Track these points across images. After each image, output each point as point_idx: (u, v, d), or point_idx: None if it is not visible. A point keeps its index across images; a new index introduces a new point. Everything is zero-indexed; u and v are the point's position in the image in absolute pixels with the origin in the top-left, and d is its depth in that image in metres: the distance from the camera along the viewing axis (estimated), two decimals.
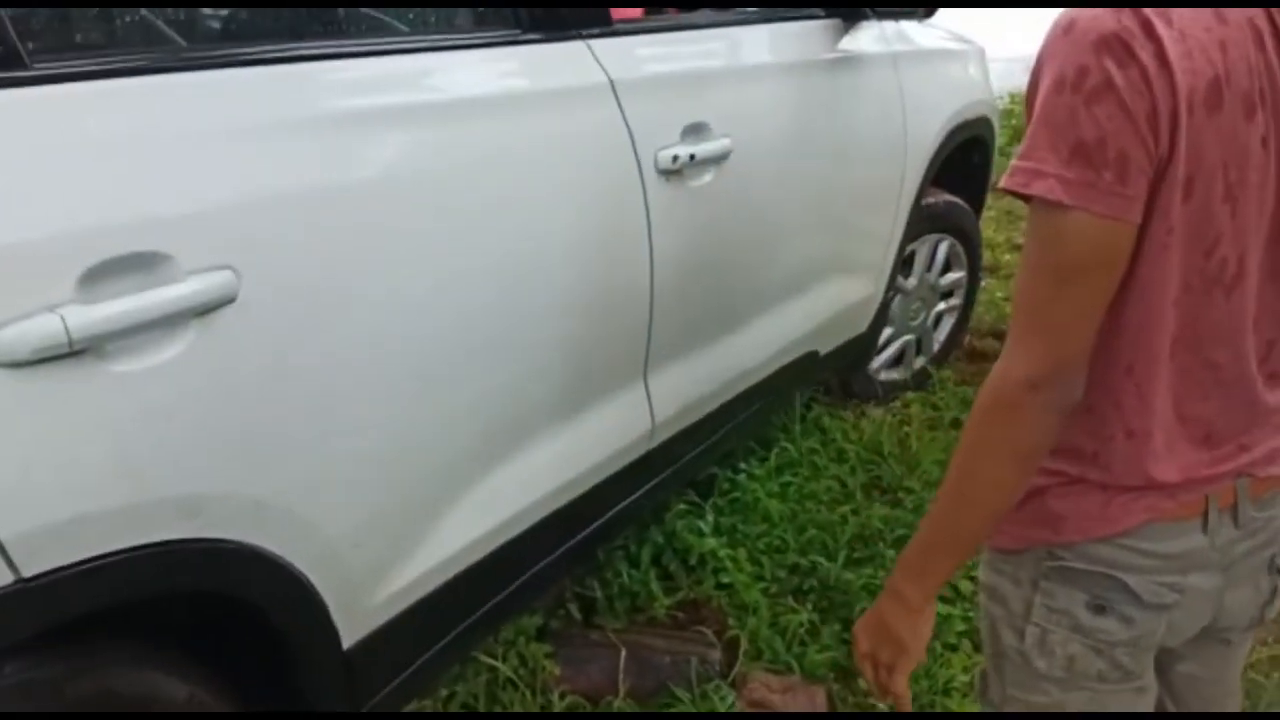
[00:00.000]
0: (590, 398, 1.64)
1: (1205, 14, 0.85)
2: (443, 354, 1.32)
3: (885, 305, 2.59)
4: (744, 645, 1.92)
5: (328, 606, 1.22)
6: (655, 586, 2.00)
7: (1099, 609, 1.01)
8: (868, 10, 2.11)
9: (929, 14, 2.16)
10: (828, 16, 2.14)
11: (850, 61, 2.17)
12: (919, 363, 2.87)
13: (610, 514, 1.76)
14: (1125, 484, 0.98)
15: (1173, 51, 0.83)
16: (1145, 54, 0.83)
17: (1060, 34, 0.86)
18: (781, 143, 1.95)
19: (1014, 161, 0.88)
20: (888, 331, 2.74)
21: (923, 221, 2.63)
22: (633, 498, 1.81)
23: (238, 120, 1.10)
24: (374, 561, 1.28)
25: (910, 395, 2.78)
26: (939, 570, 1.04)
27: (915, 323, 2.86)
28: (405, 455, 1.29)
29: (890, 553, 2.13)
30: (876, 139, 2.31)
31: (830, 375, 2.65)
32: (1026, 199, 0.88)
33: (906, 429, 2.59)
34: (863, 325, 2.52)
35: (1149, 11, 0.84)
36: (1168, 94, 0.83)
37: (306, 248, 1.13)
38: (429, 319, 1.29)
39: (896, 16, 2.17)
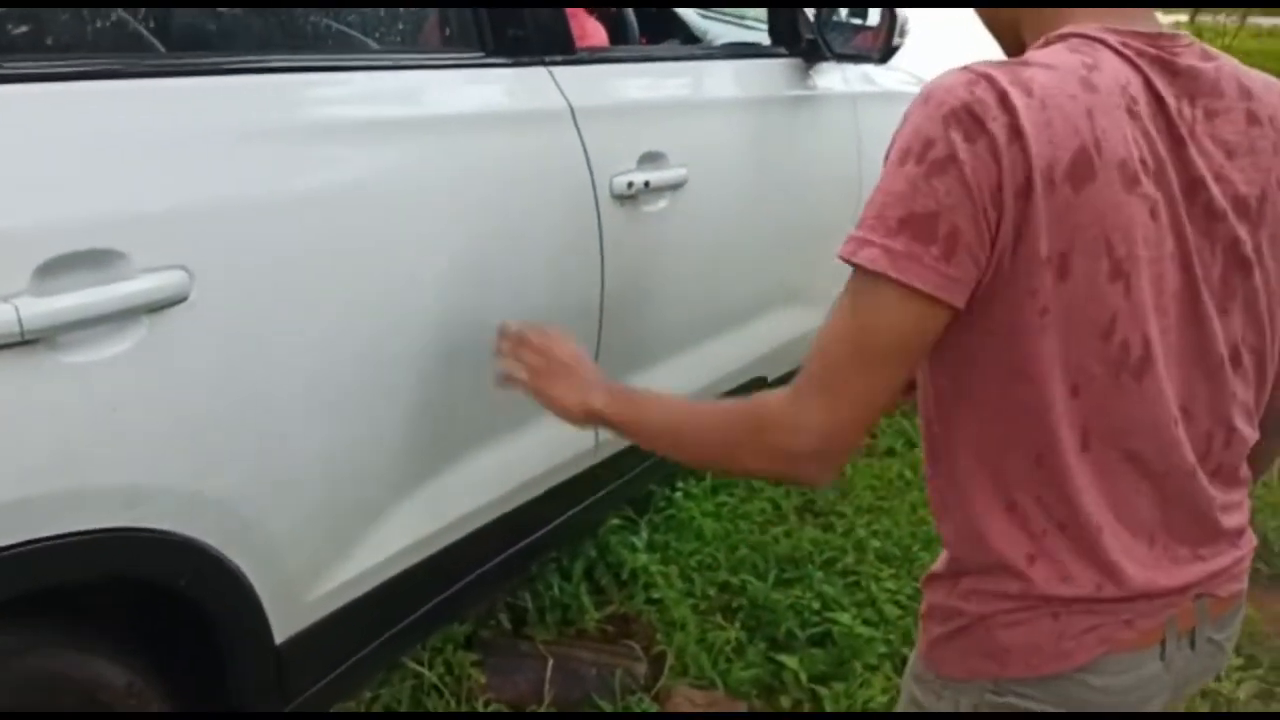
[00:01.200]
0: (537, 410, 1.68)
1: (1071, 81, 0.82)
2: (391, 361, 1.36)
3: None
4: (670, 660, 1.97)
5: (261, 600, 1.25)
6: (586, 600, 2.04)
7: None
8: (827, 52, 2.18)
9: (885, 59, 2.25)
10: (790, 56, 2.22)
11: (809, 100, 2.25)
12: None
13: (551, 526, 1.80)
14: (1073, 595, 0.90)
15: (1028, 122, 0.79)
16: (996, 125, 0.79)
17: (919, 104, 0.83)
18: (737, 174, 2.02)
19: (850, 231, 0.85)
20: None
21: None
22: (574, 511, 1.86)
23: (199, 127, 1.14)
24: (311, 559, 1.32)
25: None
26: (650, 432, 1.07)
27: None
28: (348, 457, 1.32)
29: (818, 574, 2.20)
30: (832, 175, 2.38)
31: None
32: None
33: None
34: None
35: (1005, 80, 0.80)
36: (1019, 166, 0.79)
37: (261, 253, 1.16)
38: (379, 327, 1.33)
39: (855, 60, 2.25)
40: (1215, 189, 0.87)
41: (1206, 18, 9.13)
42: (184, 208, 1.09)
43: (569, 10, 1.83)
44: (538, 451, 1.66)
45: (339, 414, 1.29)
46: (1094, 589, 0.89)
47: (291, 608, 1.30)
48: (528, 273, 1.55)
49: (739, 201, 2.02)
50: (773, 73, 2.18)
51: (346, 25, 1.40)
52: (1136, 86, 0.84)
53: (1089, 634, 0.90)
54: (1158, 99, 0.85)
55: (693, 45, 2.34)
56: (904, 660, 2.04)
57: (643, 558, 2.12)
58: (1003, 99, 0.79)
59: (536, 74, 1.54)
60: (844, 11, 2.27)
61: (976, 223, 0.80)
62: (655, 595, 2.08)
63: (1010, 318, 0.83)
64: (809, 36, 2.19)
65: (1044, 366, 0.84)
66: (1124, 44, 0.85)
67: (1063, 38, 0.87)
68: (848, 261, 0.84)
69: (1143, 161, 0.82)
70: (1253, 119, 0.89)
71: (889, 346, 0.84)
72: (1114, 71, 0.84)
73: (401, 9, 1.45)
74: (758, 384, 2.35)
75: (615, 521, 2.21)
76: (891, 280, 0.81)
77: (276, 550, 1.25)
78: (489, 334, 1.50)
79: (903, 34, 2.19)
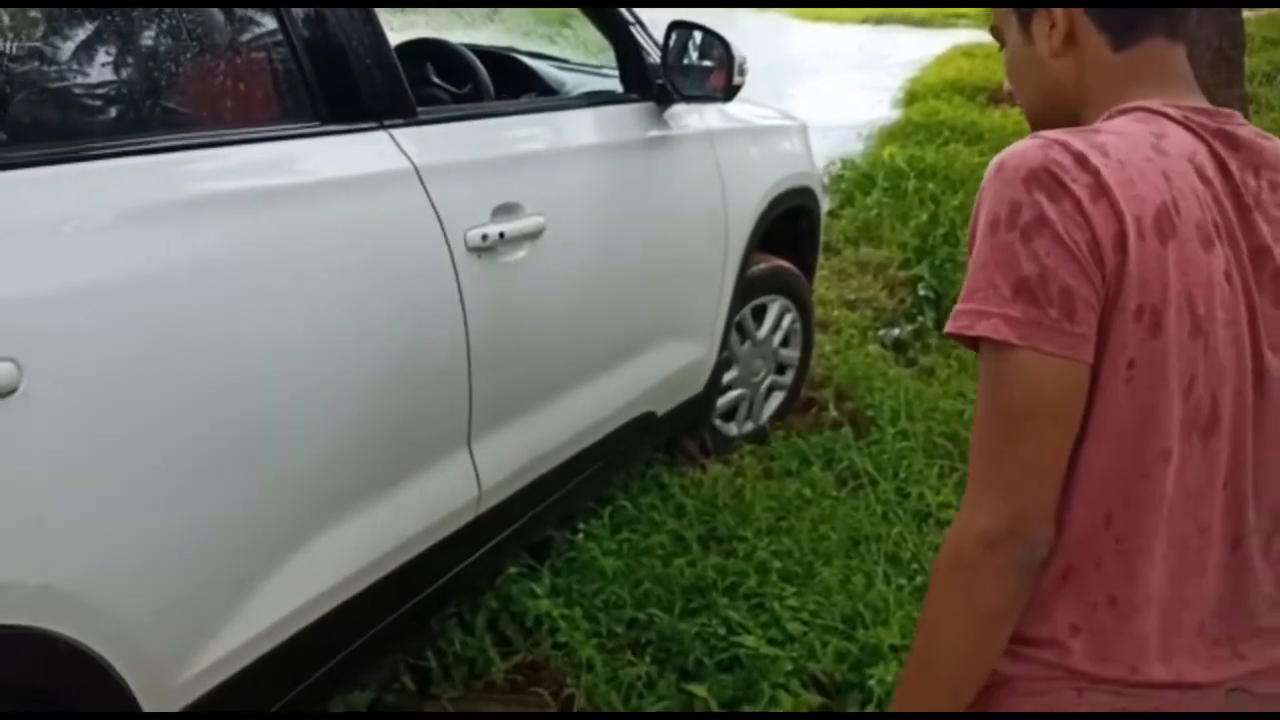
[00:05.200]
0: (411, 468, 1.70)
1: (1143, 145, 0.85)
2: (250, 435, 1.36)
3: (721, 365, 2.73)
4: (579, 702, 1.98)
5: (129, 686, 1.23)
6: (491, 651, 2.04)
7: None
8: (676, 95, 2.26)
9: (730, 97, 2.34)
10: (642, 101, 2.29)
11: (665, 140, 2.32)
12: (748, 427, 3.01)
13: (439, 582, 1.80)
14: (1108, 676, 0.87)
15: (1112, 179, 0.81)
16: (1078, 185, 0.81)
17: (992, 174, 0.85)
18: (597, 218, 2.08)
19: (956, 307, 0.84)
20: (734, 373, 2.88)
21: (752, 285, 2.80)
22: (463, 564, 1.86)
23: (24, 216, 1.14)
24: (178, 639, 1.30)
25: (746, 448, 2.91)
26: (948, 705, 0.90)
27: (757, 379, 3.01)
28: (208, 535, 1.32)
29: (723, 600, 2.23)
30: (696, 211, 2.46)
31: (671, 433, 2.76)
32: (974, 345, 0.85)
33: (741, 480, 2.72)
34: (699, 385, 2.64)
35: (1080, 144, 0.83)
36: (1109, 220, 0.81)
37: (96, 338, 1.17)
38: (232, 403, 1.33)
39: (701, 100, 2.34)
40: None
41: None
42: (9, 299, 1.09)
43: None
44: (413, 509, 1.67)
45: (194, 493, 1.29)
46: (1128, 672, 0.87)
47: (163, 691, 1.29)
48: (387, 333, 1.58)
49: (602, 244, 2.08)
50: (626, 117, 2.25)
51: (173, 104, 1.41)
52: (1202, 155, 0.87)
53: (1110, 707, 0.87)
54: (1223, 169, 0.87)
55: (545, 97, 2.40)
56: (810, 675, 2.09)
57: (544, 603, 2.12)
58: (1080, 159, 0.82)
59: (376, 138, 1.58)
60: (695, 54, 2.36)
61: (1086, 277, 0.81)
62: (561, 639, 2.09)
63: (1099, 372, 0.83)
64: (658, 81, 2.28)
65: (1130, 423, 0.84)
66: (1186, 117, 0.88)
67: (1125, 112, 0.90)
68: (962, 337, 0.84)
69: (1215, 225, 0.84)
70: None
71: (1036, 413, 0.83)
72: (1180, 141, 0.87)
73: (230, 83, 1.47)
74: (646, 418, 2.39)
75: (515, 570, 2.21)
76: (1018, 348, 0.81)
77: (139, 635, 1.24)
78: (352, 399, 1.53)
79: (742, 73, 2.27)
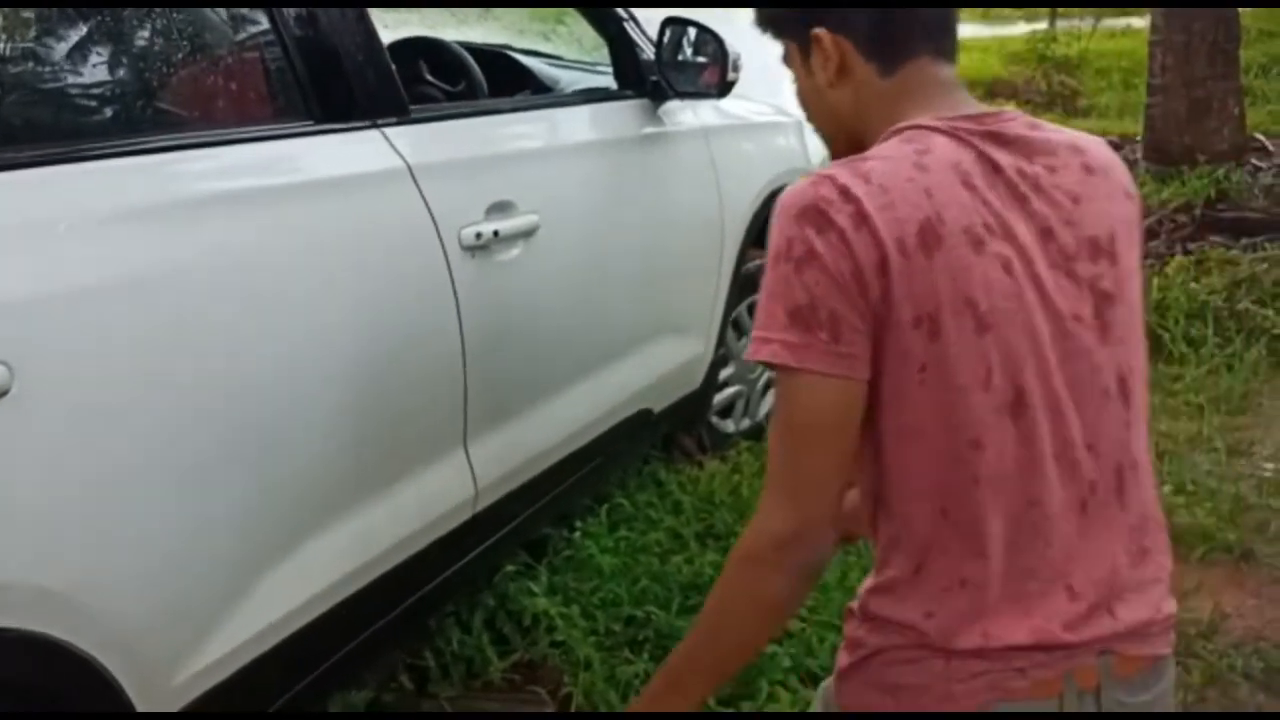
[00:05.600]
0: (407, 467, 1.69)
1: (905, 166, 0.93)
2: (242, 437, 1.36)
3: (717, 362, 2.72)
4: (577, 700, 1.98)
5: (125, 689, 1.23)
6: (489, 650, 2.04)
7: None
8: (670, 91, 2.26)
9: (724, 93, 2.34)
10: (636, 98, 2.29)
11: (659, 137, 2.32)
12: (746, 422, 3.01)
13: (436, 581, 1.80)
14: (965, 647, 0.93)
15: (871, 206, 0.89)
16: (842, 217, 0.89)
17: (776, 212, 0.95)
18: (592, 215, 2.07)
19: (751, 334, 0.93)
20: (731, 370, 2.88)
21: (749, 282, 2.80)
22: (460, 563, 1.86)
23: (15, 218, 1.14)
24: (174, 641, 1.30)
25: (744, 444, 2.91)
26: (695, 692, 1.03)
27: (754, 375, 3.01)
28: (204, 536, 1.32)
29: None
30: (691, 207, 2.45)
31: (668, 430, 2.76)
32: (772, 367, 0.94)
33: (738, 477, 2.71)
34: (696, 382, 2.64)
35: (846, 176, 0.91)
36: (870, 249, 0.89)
37: (88, 340, 1.16)
38: (226, 405, 1.33)
39: (696, 96, 2.34)
40: (1067, 234, 0.96)
41: (1063, 23, 9.59)
42: (1, 301, 1.09)
43: None
44: (409, 509, 1.67)
45: (188, 495, 1.29)
46: (982, 640, 0.93)
47: (158, 693, 1.28)
48: (382, 333, 1.57)
49: (596, 241, 2.08)
50: (621, 114, 2.25)
51: (164, 104, 1.41)
52: (969, 162, 0.94)
53: (977, 679, 0.93)
54: (995, 167, 0.95)
55: (539, 95, 2.40)
56: (809, 672, 2.08)
57: (542, 602, 2.12)
58: (844, 192, 0.90)
59: (369, 137, 1.58)
60: (689, 51, 2.36)
61: (851, 303, 0.89)
62: (559, 638, 2.09)
63: (893, 381, 0.91)
64: (652, 78, 2.27)
65: (937, 422, 0.92)
66: (954, 128, 0.96)
67: (897, 132, 0.97)
68: (757, 360, 0.93)
69: (986, 225, 0.92)
70: (1088, 169, 0.99)
71: (814, 426, 0.92)
72: (945, 153, 0.94)
73: (222, 83, 1.47)
74: (642, 416, 2.39)
75: (512, 568, 2.21)
76: (795, 370, 0.91)
77: (134, 637, 1.24)
78: (347, 400, 1.53)
79: (736, 69, 2.27)
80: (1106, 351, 0.96)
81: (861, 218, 0.89)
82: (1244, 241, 4.50)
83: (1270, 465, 3.01)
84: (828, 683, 1.11)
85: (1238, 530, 2.60)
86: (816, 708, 1.15)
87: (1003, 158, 0.95)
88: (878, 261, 0.89)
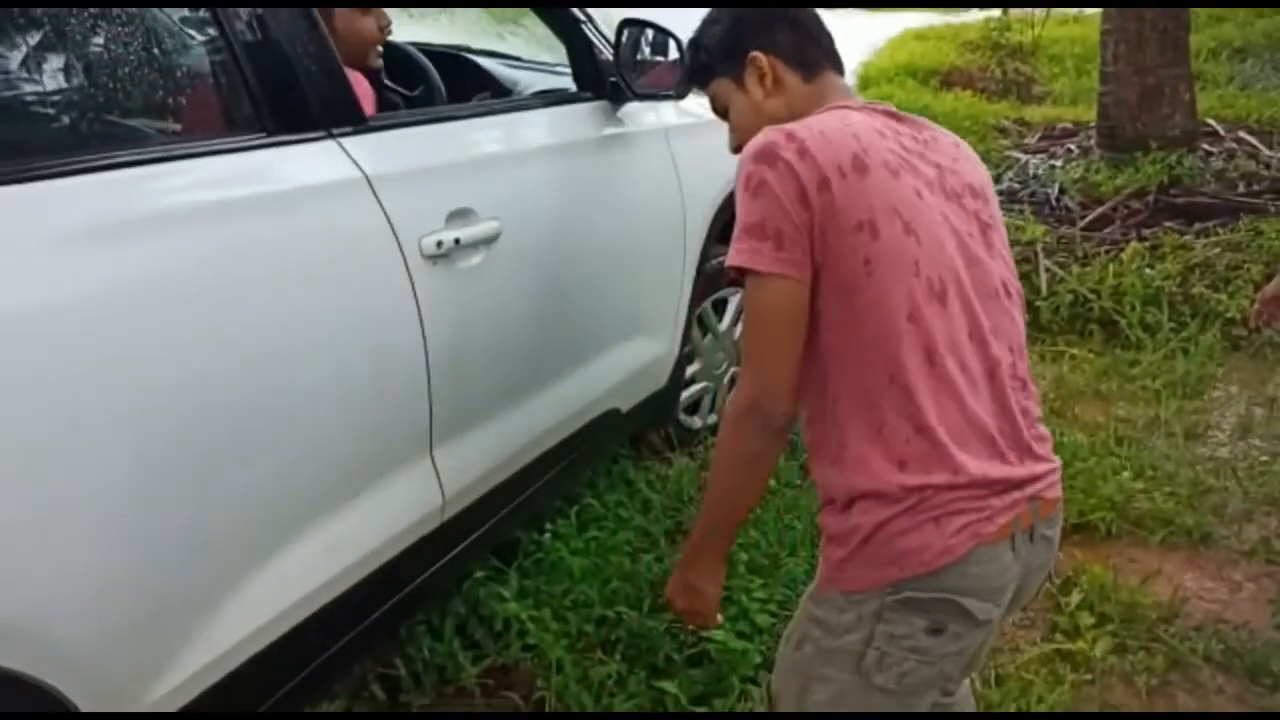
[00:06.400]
0: (372, 479, 1.68)
1: (835, 121, 1.23)
2: (202, 454, 1.34)
3: (683, 359, 2.73)
4: (550, 703, 1.98)
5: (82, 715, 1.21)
6: (461, 656, 2.03)
7: (936, 631, 1.20)
8: (629, 93, 2.26)
9: (684, 95, 2.34)
10: (595, 99, 2.28)
11: (619, 138, 2.32)
12: (712, 418, 3.02)
13: (405, 591, 1.79)
14: (939, 482, 1.17)
15: (812, 144, 1.18)
16: (788, 153, 1.18)
17: (742, 157, 1.22)
18: (553, 219, 2.06)
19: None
20: (696, 366, 2.89)
21: (714, 278, 2.80)
22: (429, 572, 1.85)
23: None
24: (135, 667, 1.28)
25: (711, 440, 2.92)
26: (719, 544, 1.34)
27: (719, 371, 3.02)
28: (163, 558, 1.30)
29: None
30: (653, 207, 2.45)
31: (637, 429, 2.76)
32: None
33: (706, 474, 2.72)
34: (662, 380, 2.65)
35: (792, 127, 1.20)
36: (813, 172, 1.16)
37: (40, 363, 1.14)
38: (185, 422, 1.31)
39: (655, 98, 2.34)
40: (952, 179, 1.28)
41: (1017, 11, 9.68)
42: None
43: None
44: (376, 520, 1.66)
45: (149, 515, 1.27)
46: (951, 475, 1.18)
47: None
48: (343, 345, 1.56)
49: (558, 245, 2.07)
50: (580, 117, 2.24)
51: (113, 119, 1.38)
52: (880, 124, 1.26)
53: (963, 531, 1.18)
54: (897, 131, 1.27)
55: (497, 99, 2.38)
56: None
57: (513, 605, 2.12)
58: (790, 135, 1.19)
59: (324, 147, 1.56)
60: (647, 51, 2.35)
61: (791, 220, 1.16)
62: (531, 641, 2.09)
63: (845, 275, 1.17)
64: (611, 79, 2.27)
65: (883, 304, 1.17)
66: (864, 106, 1.31)
67: (823, 111, 1.29)
68: (730, 265, 1.20)
69: (900, 161, 1.22)
70: (956, 145, 1.35)
71: (774, 317, 1.19)
72: (861, 117, 1.26)
73: (171, 96, 1.44)
74: (611, 416, 2.39)
75: (483, 573, 2.21)
76: (751, 271, 1.18)
77: (96, 663, 1.22)
78: (309, 412, 1.51)
79: None
80: (992, 263, 1.26)
81: (804, 152, 1.17)
82: (1197, 226, 4.58)
83: (1227, 448, 3.07)
84: (806, 598, 1.32)
85: (1196, 514, 2.66)
86: (794, 625, 1.33)
87: (901, 127, 1.28)
88: (819, 181, 1.16)
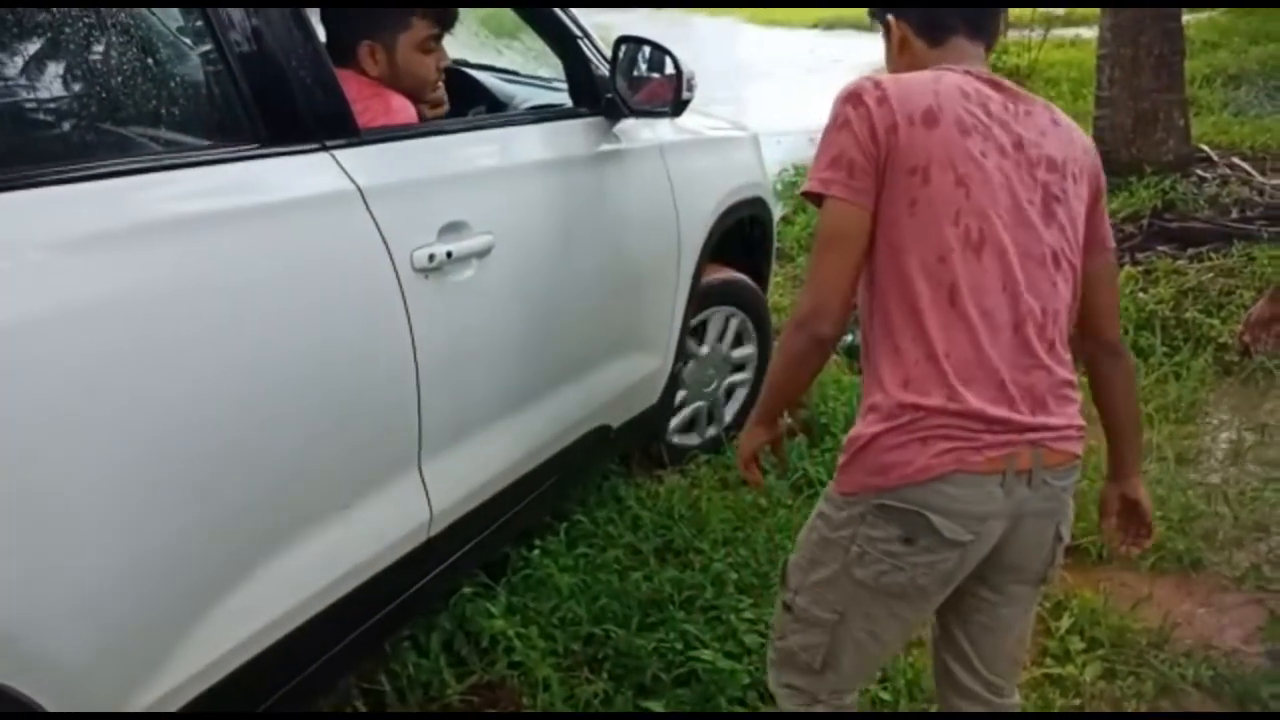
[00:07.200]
0: (360, 493, 1.67)
1: (923, 80, 1.36)
2: (192, 466, 1.33)
3: (675, 377, 2.72)
4: None
5: None
6: (446, 673, 2.02)
7: (908, 541, 1.33)
8: (625, 109, 2.26)
9: (678, 112, 2.34)
10: (591, 115, 2.28)
11: (614, 155, 2.32)
12: (710, 431, 3.02)
13: (391, 606, 1.78)
14: (932, 404, 1.29)
15: (892, 94, 1.33)
16: (870, 98, 1.33)
17: (835, 98, 1.37)
18: (546, 235, 2.06)
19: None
20: (682, 394, 2.88)
21: (705, 297, 2.80)
22: (415, 587, 1.84)
23: None
24: (119, 679, 1.27)
25: (703, 458, 2.91)
26: (776, 408, 1.51)
27: (709, 390, 3.01)
28: (150, 570, 1.29)
29: (679, 614, 2.22)
30: (647, 223, 2.45)
31: (627, 446, 2.75)
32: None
33: (697, 491, 2.71)
34: (654, 397, 2.64)
35: (880, 78, 1.36)
36: (888, 116, 1.31)
37: (26, 372, 1.13)
38: (175, 434, 1.30)
39: (650, 115, 2.34)
40: (1032, 150, 1.36)
41: (1014, 33, 9.73)
42: None
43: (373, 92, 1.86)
44: (363, 534, 1.65)
45: (136, 527, 1.26)
46: (945, 400, 1.29)
47: None
48: (334, 358, 1.55)
49: (552, 260, 2.06)
50: (575, 132, 2.24)
51: (106, 128, 1.38)
52: (970, 88, 1.36)
53: (947, 454, 1.29)
54: (988, 97, 1.37)
55: (493, 114, 2.38)
56: (768, 690, 2.08)
57: (500, 622, 2.10)
58: (876, 84, 1.34)
59: (318, 159, 1.55)
60: (644, 68, 2.35)
61: (865, 154, 1.31)
62: (517, 659, 2.07)
63: (893, 211, 1.31)
64: (607, 95, 2.27)
65: (920, 243, 1.30)
66: (965, 71, 1.40)
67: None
68: (804, 193, 1.38)
69: (973, 124, 1.33)
70: (1055, 123, 1.42)
71: (835, 237, 1.33)
72: (953, 80, 1.37)
73: (165, 106, 1.43)
74: (601, 432, 2.38)
75: (470, 589, 2.19)
76: (825, 196, 1.34)
77: (77, 676, 1.20)
78: (298, 425, 1.50)
79: (690, 88, 2.28)
80: (1046, 232, 1.35)
81: (883, 99, 1.32)
82: (1190, 251, 4.59)
83: (1218, 474, 3.07)
84: (823, 498, 1.46)
85: (1187, 539, 2.65)
86: (811, 522, 1.47)
87: (995, 95, 1.38)
88: (889, 125, 1.31)
